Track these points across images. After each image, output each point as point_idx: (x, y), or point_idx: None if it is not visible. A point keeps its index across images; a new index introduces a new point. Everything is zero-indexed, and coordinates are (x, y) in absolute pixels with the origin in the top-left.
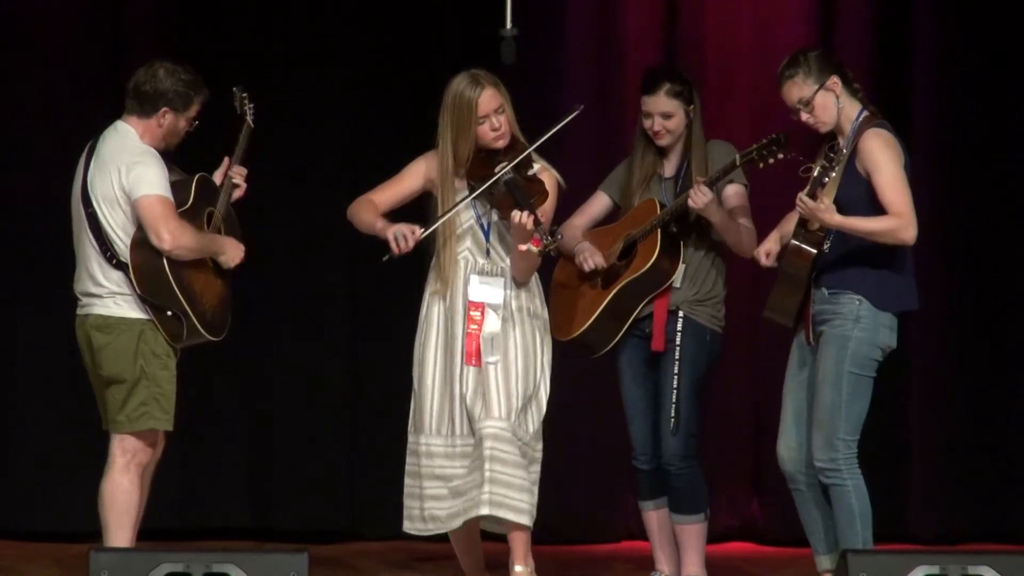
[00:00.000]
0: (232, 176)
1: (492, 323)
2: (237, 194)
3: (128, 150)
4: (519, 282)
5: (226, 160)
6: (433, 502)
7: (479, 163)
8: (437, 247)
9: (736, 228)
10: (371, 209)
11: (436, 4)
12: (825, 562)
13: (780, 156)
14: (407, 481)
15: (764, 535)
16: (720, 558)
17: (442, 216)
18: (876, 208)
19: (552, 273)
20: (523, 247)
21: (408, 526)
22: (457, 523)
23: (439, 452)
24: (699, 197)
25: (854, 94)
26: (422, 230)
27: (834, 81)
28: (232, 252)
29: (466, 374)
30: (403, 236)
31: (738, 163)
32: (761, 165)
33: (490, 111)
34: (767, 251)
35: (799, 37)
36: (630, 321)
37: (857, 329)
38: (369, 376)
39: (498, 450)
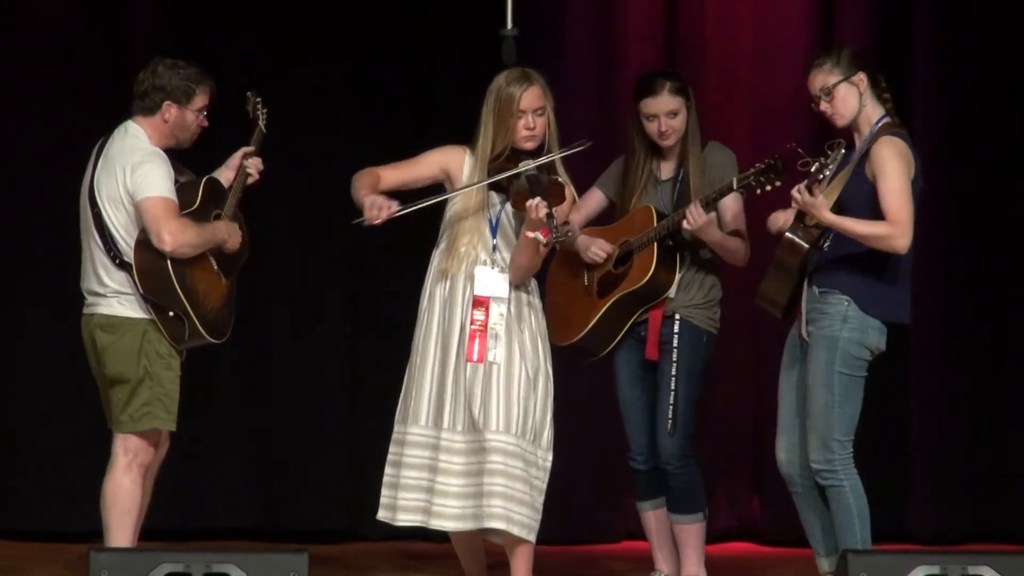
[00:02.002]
0: (248, 167)
1: (496, 319)
2: (250, 179)
3: (134, 151)
4: (515, 282)
5: (237, 156)
6: (418, 493)
7: (504, 160)
8: (444, 236)
9: (729, 246)
10: (371, 181)
11: (437, 4)
12: (826, 564)
13: (778, 184)
14: (388, 470)
15: (764, 535)
16: (720, 558)
17: (431, 200)
18: (877, 214)
19: (547, 273)
20: (531, 234)
21: (383, 515)
22: (448, 525)
23: (433, 444)
24: (695, 219)
25: (882, 101)
26: (400, 208)
27: (860, 77)
28: (233, 237)
29: (466, 370)
30: (378, 206)
31: (735, 188)
32: (758, 191)
33: (529, 109)
34: (783, 215)
35: (799, 37)
36: (627, 327)
37: (845, 330)
38: (369, 375)
39: (506, 464)
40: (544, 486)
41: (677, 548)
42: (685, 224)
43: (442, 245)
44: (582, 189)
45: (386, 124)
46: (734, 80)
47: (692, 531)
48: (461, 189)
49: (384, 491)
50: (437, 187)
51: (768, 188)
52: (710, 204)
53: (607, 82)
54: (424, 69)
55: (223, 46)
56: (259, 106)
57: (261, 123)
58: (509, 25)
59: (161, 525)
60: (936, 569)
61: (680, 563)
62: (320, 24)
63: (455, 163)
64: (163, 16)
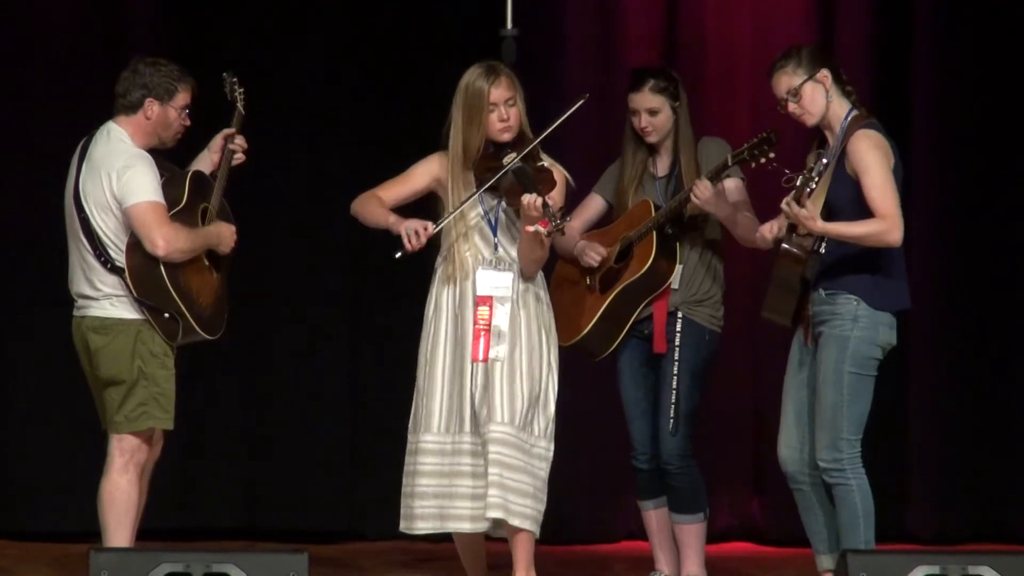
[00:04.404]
0: (232, 148)
1: (500, 318)
2: (237, 160)
3: (119, 154)
4: (526, 275)
5: (219, 138)
6: (432, 500)
7: (486, 157)
8: (444, 244)
9: (742, 220)
10: (379, 204)
11: (437, 4)
12: (826, 562)
13: (772, 155)
14: (405, 480)
15: (764, 535)
16: (720, 558)
17: (454, 210)
18: (864, 210)
19: (550, 277)
20: (530, 228)
21: (404, 526)
22: (465, 526)
23: (448, 450)
24: (702, 192)
25: (846, 94)
26: (434, 226)
27: (824, 74)
28: (226, 238)
29: (476, 371)
30: (415, 232)
31: (729, 163)
32: (753, 164)
33: (500, 101)
34: (769, 228)
35: (798, 37)
36: (629, 324)
37: (856, 329)
38: (369, 376)
39: (504, 455)
40: (547, 476)
41: (678, 548)
42: (693, 198)
43: (444, 251)
44: (587, 191)
45: (386, 125)
46: (734, 80)
47: (693, 531)
48: (462, 204)
49: (405, 501)
50: (430, 196)
51: (763, 160)
52: (715, 178)
53: (607, 82)
54: (424, 69)
55: (222, 46)
56: (235, 87)
57: (239, 104)
58: (509, 25)
59: (161, 525)
60: (936, 569)
61: (680, 563)
62: (319, 24)
63: (442, 170)
64: (162, 16)
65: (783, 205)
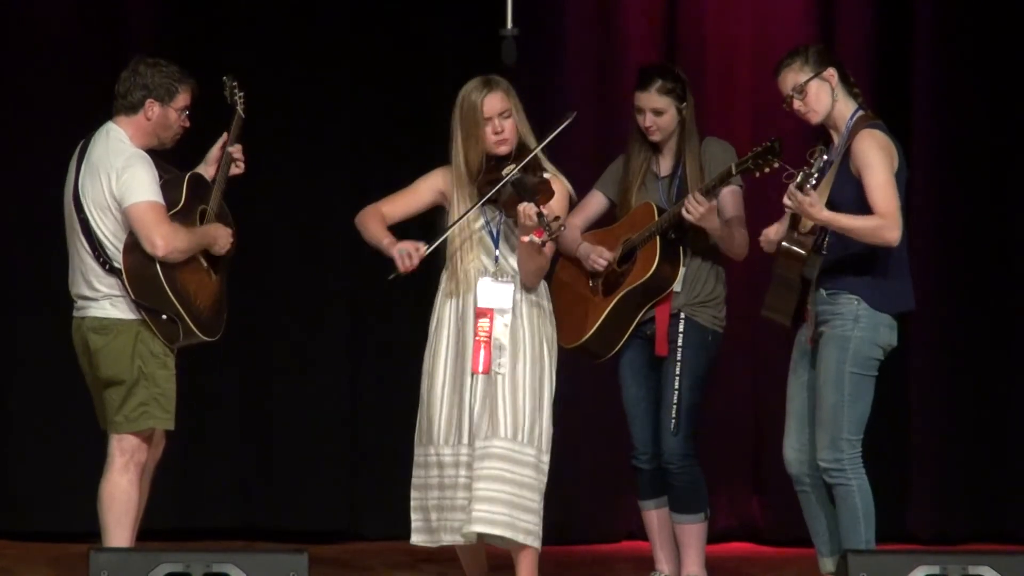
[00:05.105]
0: (231, 155)
1: (500, 330)
2: (235, 170)
3: (117, 154)
4: (527, 286)
5: (216, 147)
6: (445, 513)
7: (487, 170)
8: (448, 255)
9: (731, 236)
10: (379, 221)
11: (437, 4)
12: (829, 564)
13: (776, 164)
14: (413, 494)
15: (764, 535)
16: (720, 558)
17: (450, 226)
18: (866, 209)
19: (551, 277)
20: (526, 238)
21: (416, 539)
22: (459, 539)
23: (448, 462)
24: (695, 209)
25: (852, 95)
26: (427, 247)
27: (830, 73)
28: (223, 239)
29: (475, 383)
30: (408, 254)
31: (733, 172)
32: (757, 174)
33: (494, 114)
34: (766, 235)
35: (798, 37)
36: (632, 327)
37: (857, 329)
38: (370, 376)
39: (507, 471)
40: (543, 488)
41: (678, 548)
42: (685, 214)
43: (448, 265)
44: (582, 190)
45: (386, 125)
46: (734, 80)
47: (693, 531)
48: (460, 218)
49: (414, 515)
50: (436, 210)
51: (767, 170)
52: (710, 192)
53: (607, 82)
54: (424, 69)
55: (222, 48)
56: (236, 90)
57: (239, 108)
58: (509, 25)
59: (161, 525)
60: (936, 569)
61: (680, 563)
62: (320, 24)
63: (447, 184)
64: (162, 16)
65: (787, 194)
